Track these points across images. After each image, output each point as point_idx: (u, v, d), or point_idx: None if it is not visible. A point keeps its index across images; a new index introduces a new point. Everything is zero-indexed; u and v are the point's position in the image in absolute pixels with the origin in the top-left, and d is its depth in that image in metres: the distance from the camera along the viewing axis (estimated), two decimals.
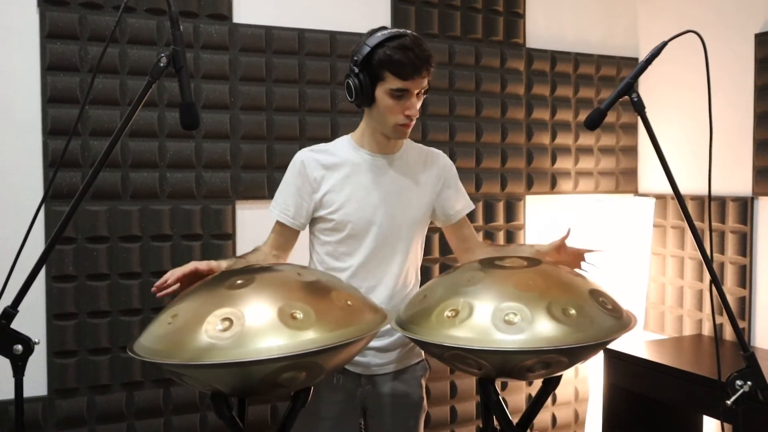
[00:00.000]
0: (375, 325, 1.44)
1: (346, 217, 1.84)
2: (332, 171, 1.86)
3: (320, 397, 1.88)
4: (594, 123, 1.53)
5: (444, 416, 3.00)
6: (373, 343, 1.89)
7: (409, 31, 1.78)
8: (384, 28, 1.80)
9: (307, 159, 1.87)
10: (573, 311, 1.43)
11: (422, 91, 1.79)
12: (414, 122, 1.82)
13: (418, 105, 1.80)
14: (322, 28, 2.74)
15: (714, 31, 2.99)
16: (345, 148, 1.90)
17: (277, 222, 1.90)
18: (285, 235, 1.89)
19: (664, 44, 1.49)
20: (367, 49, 1.73)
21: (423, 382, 2.04)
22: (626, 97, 1.51)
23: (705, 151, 3.06)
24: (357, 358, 1.87)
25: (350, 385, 1.92)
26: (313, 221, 1.91)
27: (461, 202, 2.02)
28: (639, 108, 1.50)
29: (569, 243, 1.84)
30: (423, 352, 2.02)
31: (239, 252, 2.61)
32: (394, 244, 1.89)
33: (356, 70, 1.76)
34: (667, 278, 3.23)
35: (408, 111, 1.77)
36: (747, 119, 2.89)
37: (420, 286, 1.96)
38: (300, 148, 2.64)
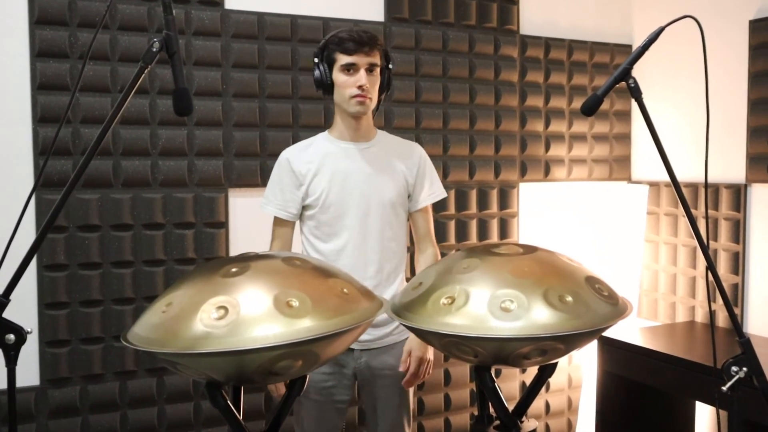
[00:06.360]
0: (371, 312, 1.44)
1: (328, 200, 2.04)
2: (313, 163, 2.06)
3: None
4: (591, 109, 1.53)
5: (438, 404, 3.00)
6: None
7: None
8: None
9: (291, 156, 2.09)
10: (569, 298, 1.42)
11: (374, 69, 2.01)
12: (371, 98, 2.01)
13: (374, 83, 2.02)
14: (315, 15, 2.71)
15: (708, 18, 2.98)
16: (323, 142, 2.11)
17: (275, 217, 2.10)
18: (284, 227, 2.10)
19: (661, 29, 1.48)
20: (322, 42, 2.03)
21: None
22: (623, 83, 1.50)
23: (698, 138, 3.07)
24: None
25: (344, 358, 2.08)
26: (302, 209, 2.10)
27: (428, 190, 2.17)
28: (636, 94, 1.48)
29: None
30: None
31: (231, 240, 2.60)
32: (374, 223, 2.06)
33: (316, 61, 2.04)
34: (660, 265, 3.24)
35: (358, 82, 1.98)
36: (741, 106, 2.89)
37: (410, 270, 2.03)
38: (293, 135, 2.68)
